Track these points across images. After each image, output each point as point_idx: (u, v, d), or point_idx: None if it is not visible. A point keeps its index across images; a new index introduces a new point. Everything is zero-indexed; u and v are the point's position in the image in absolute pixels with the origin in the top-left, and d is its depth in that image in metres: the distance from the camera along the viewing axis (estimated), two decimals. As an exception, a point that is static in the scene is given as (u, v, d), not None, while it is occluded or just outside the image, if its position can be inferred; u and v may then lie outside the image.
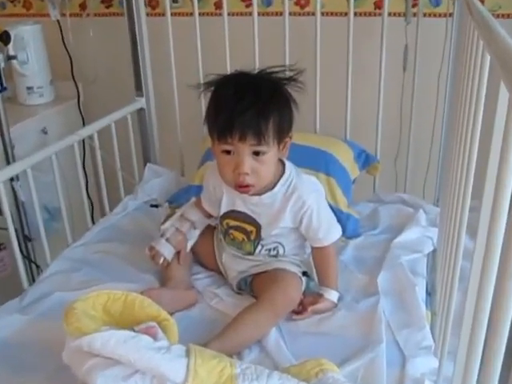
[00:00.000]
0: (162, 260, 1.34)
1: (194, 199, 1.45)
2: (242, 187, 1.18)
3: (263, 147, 1.14)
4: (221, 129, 1.14)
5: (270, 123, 1.13)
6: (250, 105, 1.12)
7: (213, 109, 1.18)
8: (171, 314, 1.10)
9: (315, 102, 1.78)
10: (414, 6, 1.81)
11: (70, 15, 2.14)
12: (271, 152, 1.16)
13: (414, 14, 1.80)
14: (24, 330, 1.19)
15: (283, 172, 1.26)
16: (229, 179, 1.20)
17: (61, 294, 1.28)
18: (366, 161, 1.75)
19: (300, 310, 1.23)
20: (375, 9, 1.88)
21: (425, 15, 1.80)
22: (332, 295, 1.26)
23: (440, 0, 1.82)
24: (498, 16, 1.78)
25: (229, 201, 1.30)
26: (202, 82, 1.28)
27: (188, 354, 0.89)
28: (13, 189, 1.66)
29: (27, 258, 1.77)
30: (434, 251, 1.50)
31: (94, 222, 1.76)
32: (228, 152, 1.15)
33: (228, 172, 1.18)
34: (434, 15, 1.84)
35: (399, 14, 1.83)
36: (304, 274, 1.30)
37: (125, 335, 0.89)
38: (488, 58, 0.80)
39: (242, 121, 1.11)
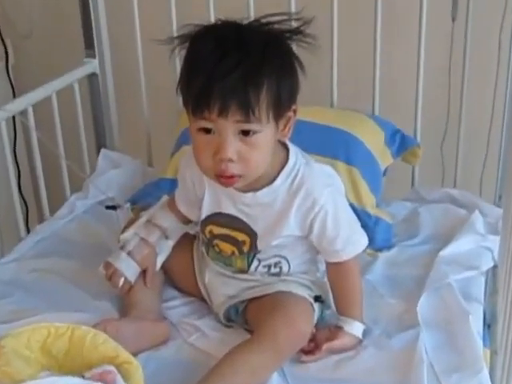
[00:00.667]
0: (121, 281, 1.34)
1: (165, 199, 1.45)
2: (224, 178, 1.17)
3: (253, 125, 1.12)
4: (195, 99, 1.12)
5: (262, 91, 1.11)
6: (235, 65, 1.09)
7: (186, 71, 1.16)
8: (135, 354, 1.10)
9: (331, 64, 1.78)
10: None
11: None
12: (265, 131, 1.14)
13: None
14: None
15: (286, 160, 1.25)
16: (207, 167, 1.18)
17: (-17, 328, 1.29)
18: (401, 144, 1.75)
19: (311, 348, 1.23)
20: None
21: None
22: (355, 328, 1.26)
23: None
24: None
25: (213, 200, 1.30)
26: (175, 35, 1.26)
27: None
28: None
29: None
30: (495, 268, 1.51)
31: (29, 230, 1.76)
32: (207, 131, 1.13)
33: (206, 158, 1.16)
34: None
35: None
36: (317, 299, 1.30)
37: None
38: None
39: (223, 87, 1.08)
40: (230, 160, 1.12)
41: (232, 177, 1.15)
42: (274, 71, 1.13)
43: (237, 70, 1.09)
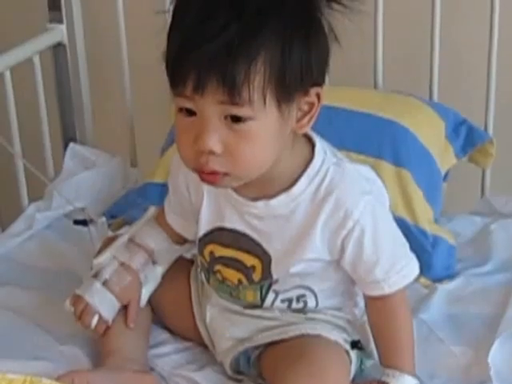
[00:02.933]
0: (95, 321, 1.34)
1: (153, 210, 1.46)
2: (204, 174, 1.15)
3: (243, 109, 1.09)
4: (170, 68, 1.12)
5: (255, 65, 1.08)
6: (221, 27, 1.06)
7: (168, 33, 1.15)
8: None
9: (375, 33, 1.80)
10: None
11: None
12: (262, 119, 1.11)
13: None
14: None
15: (311, 159, 1.24)
16: (187, 159, 1.16)
17: None
18: (468, 140, 1.76)
19: (348, 408, 1.24)
20: None
21: None
22: (405, 383, 1.27)
23: None
24: None
25: (213, 210, 1.31)
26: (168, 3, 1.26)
27: None
28: None
29: None
30: None
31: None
32: (189, 112, 1.12)
33: (185, 146, 1.14)
34: None
35: None
36: (354, 345, 1.30)
37: None
38: None
39: (200, 55, 1.06)
40: (211, 152, 1.10)
41: (214, 173, 1.14)
42: (278, 38, 1.09)
43: (223, 33, 1.05)
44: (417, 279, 1.34)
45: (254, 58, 1.07)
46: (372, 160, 1.50)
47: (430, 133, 1.69)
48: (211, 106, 1.08)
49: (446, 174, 1.73)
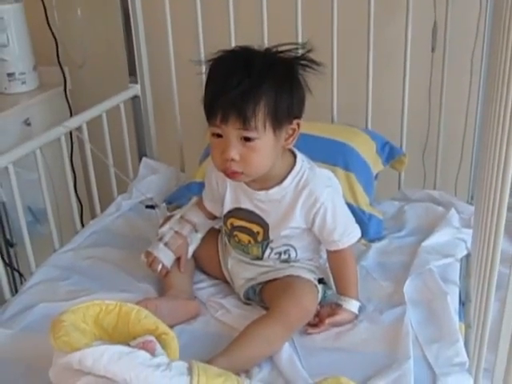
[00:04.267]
0: (160, 267, 1.35)
1: (195, 199, 1.45)
2: (228, 173, 1.19)
3: (252, 132, 1.13)
4: (207, 109, 1.16)
5: (259, 105, 1.11)
6: (237, 83, 1.11)
7: (205, 86, 1.19)
8: (171, 326, 1.10)
9: (331, 86, 1.78)
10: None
11: (56, -9, 2.15)
12: (264, 139, 1.14)
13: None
14: (6, 346, 1.20)
15: (294, 164, 1.26)
16: (217, 164, 1.20)
17: (47, 306, 1.29)
18: (390, 153, 1.75)
19: (316, 322, 1.23)
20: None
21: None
22: (352, 305, 1.26)
23: (474, -32, 1.82)
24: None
25: (233, 197, 1.31)
26: (204, 66, 1.26)
27: (190, 371, 0.90)
28: (-8, 187, 1.67)
29: (9, 265, 1.78)
30: (468, 255, 1.50)
31: (83, 225, 1.77)
32: (218, 135, 1.16)
33: (216, 156, 1.18)
34: (467, -14, 1.83)
35: (427, -15, 1.83)
36: (320, 281, 1.30)
37: (119, 351, 0.89)
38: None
39: (225, 100, 1.11)
40: (233, 159, 1.14)
41: (234, 173, 1.17)
42: (272, 90, 1.14)
43: (238, 87, 1.11)
44: (359, 240, 1.34)
45: (258, 102, 1.11)
46: (331, 167, 1.49)
47: (366, 150, 1.68)
48: (232, 131, 1.12)
49: (377, 176, 1.73)
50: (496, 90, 1.15)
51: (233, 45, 1.72)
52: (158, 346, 0.97)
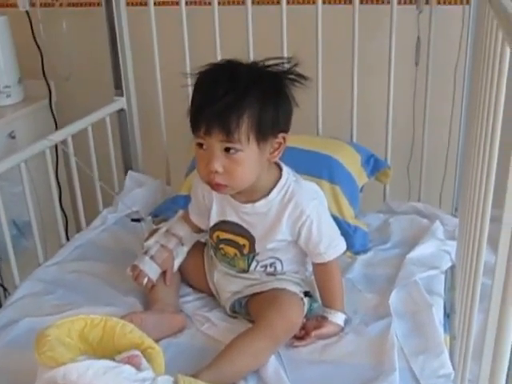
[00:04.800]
0: (145, 280, 1.34)
1: (181, 212, 1.45)
2: (212, 185, 1.19)
3: (235, 144, 1.12)
4: (191, 120, 1.16)
5: (243, 118, 1.11)
6: (222, 95, 1.11)
7: (192, 98, 1.19)
8: (157, 341, 1.10)
9: (317, 100, 1.79)
10: (426, -9, 1.83)
11: (41, 5, 2.14)
12: (247, 152, 1.14)
13: (427, 1, 1.81)
14: (-10, 361, 1.19)
15: (280, 177, 1.26)
16: (202, 176, 1.20)
17: (31, 320, 1.28)
18: (374, 166, 1.76)
19: (302, 335, 1.23)
20: (383, -5, 1.90)
21: (439, 3, 1.80)
22: (338, 318, 1.26)
23: (456, -15, 1.85)
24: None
25: (219, 210, 1.31)
26: (189, 80, 1.27)
27: (176, 385, 0.90)
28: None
29: (-7, 279, 1.77)
30: (453, 267, 1.51)
31: (68, 239, 1.76)
32: (200, 145, 1.16)
33: (201, 168, 1.18)
34: (450, 2, 1.84)
35: (410, 2, 1.84)
36: (306, 294, 1.30)
37: (104, 365, 0.89)
38: (508, 50, 0.81)
39: (209, 112, 1.11)
40: (217, 172, 1.14)
41: (218, 185, 1.17)
42: (257, 103, 1.13)
43: (222, 99, 1.11)
44: (344, 253, 1.34)
45: (241, 115, 1.11)
46: (316, 179, 1.49)
47: (351, 163, 1.69)
48: (215, 143, 1.12)
49: (362, 188, 1.73)
50: (479, 104, 1.17)
51: (219, 59, 1.73)
52: (144, 361, 0.97)
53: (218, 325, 1.28)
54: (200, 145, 1.16)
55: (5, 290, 1.78)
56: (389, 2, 1.70)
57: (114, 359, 0.95)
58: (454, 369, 1.14)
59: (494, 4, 1.06)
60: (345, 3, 1.88)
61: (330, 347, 1.21)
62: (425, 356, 1.17)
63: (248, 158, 1.15)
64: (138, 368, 0.93)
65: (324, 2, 1.75)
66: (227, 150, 1.13)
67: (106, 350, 1.00)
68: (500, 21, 0.90)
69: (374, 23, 1.83)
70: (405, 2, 1.83)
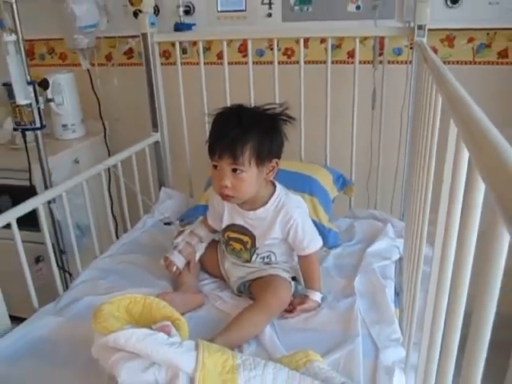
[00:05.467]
0: (174, 269, 1.34)
1: (201, 218, 1.45)
2: (223, 196, 1.19)
3: (240, 167, 1.13)
4: (209, 147, 1.16)
5: (246, 147, 1.12)
6: (230, 130, 1.13)
7: (210, 132, 1.20)
8: (182, 314, 1.09)
9: (300, 134, 1.79)
10: (380, 54, 1.83)
11: (98, 65, 2.15)
12: (249, 172, 1.15)
13: (380, 62, 1.82)
14: (59, 329, 1.19)
15: (274, 191, 1.26)
16: (216, 189, 1.21)
17: (90, 299, 1.28)
18: (343, 183, 1.75)
19: (290, 309, 1.23)
20: (348, 58, 1.90)
21: (389, 62, 1.81)
22: (316, 296, 1.25)
23: (401, 50, 1.85)
24: (448, 63, 1.81)
25: (229, 216, 1.31)
26: (206, 118, 1.28)
27: (197, 348, 0.89)
28: (50, 210, 1.66)
29: (62, 268, 1.76)
30: (401, 258, 1.50)
31: (117, 237, 1.75)
32: (216, 167, 1.16)
33: (216, 183, 1.19)
34: (397, 62, 1.85)
35: (368, 62, 1.86)
36: (293, 278, 1.30)
37: (144, 333, 0.89)
38: (440, 98, 0.82)
39: (221, 142, 1.13)
40: (226, 186, 1.14)
41: (227, 196, 1.17)
42: (257, 137, 1.14)
43: (231, 134, 1.12)
44: (321, 248, 1.33)
45: (245, 145, 1.12)
46: (300, 193, 1.48)
47: (325, 181, 1.68)
48: (226, 166, 1.13)
49: (333, 199, 1.72)
50: (419, 136, 1.17)
51: (229, 103, 1.74)
52: (173, 329, 0.96)
53: (227, 302, 1.28)
54: (215, 166, 1.16)
55: (70, 275, 1.77)
56: (353, 63, 1.71)
57: (151, 328, 0.94)
58: (402, 334, 1.14)
59: (429, 64, 1.07)
60: (320, 63, 1.88)
61: (310, 318, 1.21)
62: (380, 325, 1.16)
63: (249, 177, 1.16)
64: (169, 335, 0.92)
65: (305, 63, 1.76)
66: (234, 170, 1.14)
67: (146, 321, 0.99)
68: (433, 76, 0.91)
69: (342, 78, 1.83)
70: (364, 63, 1.83)
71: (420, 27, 1.52)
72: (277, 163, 1.22)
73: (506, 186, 0.34)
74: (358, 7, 1.80)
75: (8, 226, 1.24)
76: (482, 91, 1.79)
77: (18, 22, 1.45)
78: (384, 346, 1.09)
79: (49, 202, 1.61)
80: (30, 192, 1.68)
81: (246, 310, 1.16)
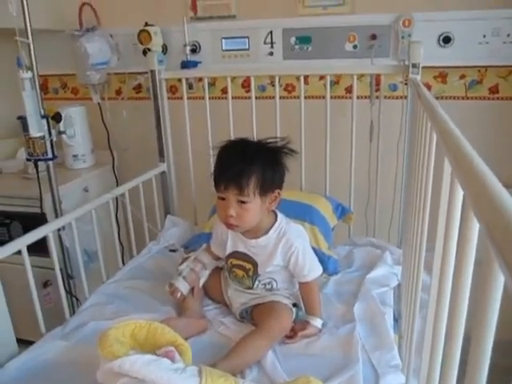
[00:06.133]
0: (179, 295, 1.33)
1: (205, 245, 1.44)
2: (227, 225, 1.19)
3: (245, 197, 1.14)
4: (215, 180, 1.17)
5: (251, 180, 1.13)
6: (235, 163, 1.13)
7: (215, 164, 1.20)
8: (186, 339, 1.08)
9: (301, 166, 1.81)
10: (376, 90, 1.86)
11: (109, 99, 2.19)
12: (253, 202, 1.15)
13: (377, 97, 1.85)
14: (65, 353, 1.17)
15: (275, 220, 1.26)
16: (221, 219, 1.21)
17: (96, 323, 1.26)
18: (342, 212, 1.75)
19: (291, 335, 1.21)
20: (346, 93, 1.93)
21: (385, 98, 1.85)
22: (317, 322, 1.24)
23: (397, 86, 1.88)
24: (442, 98, 1.84)
25: (232, 243, 1.30)
26: (211, 151, 1.29)
27: (200, 373, 0.88)
28: (59, 236, 1.66)
29: (69, 292, 1.75)
30: (399, 285, 1.49)
31: (124, 263, 1.75)
32: (222, 198, 1.17)
33: (221, 213, 1.19)
34: (393, 98, 1.88)
35: (365, 97, 1.88)
36: (294, 305, 1.28)
37: (148, 359, 0.88)
38: (435, 136, 0.83)
39: (227, 175, 1.13)
40: (231, 216, 1.15)
41: (232, 224, 1.17)
42: (260, 169, 1.15)
43: (236, 167, 1.12)
44: (321, 275, 1.32)
45: (250, 177, 1.12)
46: (301, 222, 1.49)
47: (325, 209, 1.68)
48: (231, 197, 1.13)
49: (333, 228, 1.72)
50: (414, 168, 1.18)
51: (232, 137, 1.76)
52: (177, 355, 0.95)
53: (230, 327, 1.26)
54: (221, 197, 1.17)
55: (77, 300, 1.75)
56: (351, 98, 1.74)
57: (155, 353, 0.93)
58: (401, 361, 1.12)
59: (422, 100, 1.09)
60: (319, 98, 1.91)
61: (311, 344, 1.19)
62: (380, 351, 1.14)
63: (253, 207, 1.16)
64: (173, 360, 0.91)
65: (305, 98, 1.79)
66: (239, 201, 1.14)
67: (150, 346, 0.98)
68: (427, 112, 0.92)
69: (340, 112, 1.86)
70: (361, 98, 1.86)
71: (414, 65, 1.55)
72: (279, 193, 1.22)
73: (502, 232, 0.34)
74: (355, 46, 1.84)
75: (18, 251, 1.24)
76: (475, 125, 1.82)
77: (34, 61, 1.49)
78: (384, 372, 1.07)
79: (58, 229, 1.61)
80: (40, 219, 1.69)
81: (248, 336, 1.15)
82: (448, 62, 1.78)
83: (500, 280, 0.42)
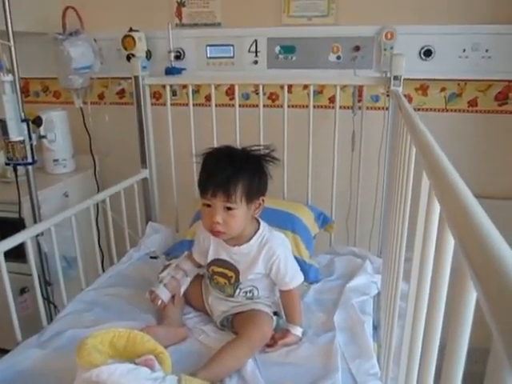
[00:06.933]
0: (159, 302, 1.32)
1: (186, 253, 1.43)
2: (213, 232, 1.19)
3: (232, 204, 1.14)
4: (201, 187, 1.17)
5: (238, 186, 1.14)
6: (222, 170, 1.14)
7: (200, 172, 1.21)
8: (166, 347, 1.08)
9: (283, 174, 1.82)
10: (359, 101, 1.89)
11: (91, 103, 2.17)
12: (240, 209, 1.16)
13: (359, 108, 1.88)
14: (42, 362, 1.15)
15: (258, 228, 1.27)
16: (206, 226, 1.20)
17: (74, 331, 1.25)
18: (323, 221, 1.76)
19: (272, 343, 1.21)
20: (329, 103, 1.96)
21: (367, 108, 1.88)
22: (297, 331, 1.24)
23: (379, 97, 1.92)
24: (422, 109, 1.88)
25: (214, 251, 1.30)
26: (194, 158, 1.29)
27: (179, 382, 0.88)
28: (37, 242, 1.63)
29: (47, 299, 1.72)
30: (379, 294, 1.50)
31: (103, 270, 1.73)
32: (208, 205, 1.17)
33: (207, 220, 1.19)
34: (375, 108, 1.92)
35: (348, 107, 1.91)
36: (275, 313, 1.29)
37: (127, 368, 0.87)
38: (414, 149, 0.85)
39: (214, 182, 1.14)
40: (218, 223, 1.15)
41: (218, 231, 1.17)
42: (247, 176, 1.16)
43: (223, 173, 1.13)
44: (302, 283, 1.32)
45: (237, 184, 1.13)
46: (283, 230, 1.48)
47: (307, 218, 1.70)
48: (218, 203, 1.13)
49: (315, 236, 1.73)
50: (395, 179, 1.20)
51: (215, 144, 1.77)
52: (157, 363, 0.94)
53: (210, 335, 1.26)
54: (206, 204, 1.17)
55: (55, 307, 1.73)
56: (333, 108, 1.76)
57: (134, 362, 0.92)
58: (380, 369, 1.13)
59: (403, 112, 1.11)
60: (303, 107, 1.94)
61: (291, 352, 1.20)
62: (360, 360, 1.15)
63: (240, 213, 1.17)
64: (153, 369, 0.91)
65: (289, 106, 1.81)
66: (227, 208, 1.15)
67: (129, 354, 0.98)
68: (407, 126, 0.95)
69: (323, 122, 1.89)
70: (344, 108, 1.88)
71: (396, 78, 1.58)
72: (263, 200, 1.24)
73: (475, 249, 0.35)
74: (338, 57, 1.87)
75: (-5, 257, 1.22)
76: (454, 136, 1.86)
77: (15, 64, 1.47)
78: (362, 381, 1.08)
79: (37, 235, 1.58)
80: (18, 224, 1.66)
81: (229, 345, 1.15)
82: (429, 75, 1.82)
83: (472, 295, 0.43)
